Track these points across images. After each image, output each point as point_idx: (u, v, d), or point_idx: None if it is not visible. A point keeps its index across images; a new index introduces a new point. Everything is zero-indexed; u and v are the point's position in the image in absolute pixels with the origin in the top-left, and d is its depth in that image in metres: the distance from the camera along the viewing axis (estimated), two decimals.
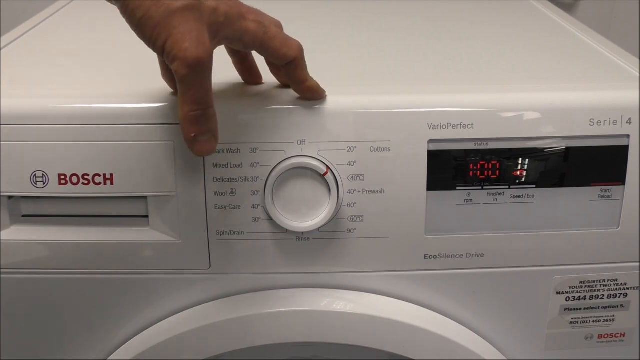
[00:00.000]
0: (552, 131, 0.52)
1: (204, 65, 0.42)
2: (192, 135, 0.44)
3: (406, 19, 0.78)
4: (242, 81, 0.54)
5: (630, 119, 0.52)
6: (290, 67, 0.48)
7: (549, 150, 0.52)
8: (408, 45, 0.67)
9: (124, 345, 0.56)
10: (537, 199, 0.53)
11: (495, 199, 0.53)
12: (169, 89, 0.53)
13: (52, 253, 0.53)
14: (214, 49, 0.44)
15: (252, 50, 0.48)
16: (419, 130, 0.51)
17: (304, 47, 0.48)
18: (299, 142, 0.51)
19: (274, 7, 0.54)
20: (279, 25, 0.49)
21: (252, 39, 0.45)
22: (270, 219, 0.52)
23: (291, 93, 0.51)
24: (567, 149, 0.52)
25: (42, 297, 0.55)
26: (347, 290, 0.55)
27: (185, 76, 0.42)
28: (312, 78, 0.49)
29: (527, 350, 0.58)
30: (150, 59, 0.62)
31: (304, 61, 0.48)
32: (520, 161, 0.52)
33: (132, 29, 0.42)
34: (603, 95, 0.53)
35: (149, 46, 0.43)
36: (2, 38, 0.66)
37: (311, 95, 0.50)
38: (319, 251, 0.53)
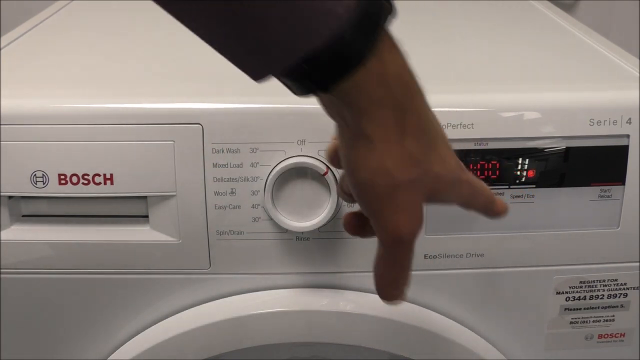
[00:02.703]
0: (552, 131, 0.52)
1: (412, 240, 0.39)
2: (387, 293, 0.41)
3: (406, 18, 0.78)
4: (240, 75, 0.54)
5: (630, 119, 0.52)
6: (483, 212, 0.44)
7: (549, 150, 0.52)
8: (408, 45, 0.67)
9: (124, 345, 0.56)
10: (537, 199, 0.53)
11: None
12: (169, 90, 0.53)
13: (52, 253, 0.53)
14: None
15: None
16: None
17: None
18: (299, 142, 0.51)
19: None
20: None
21: (461, 203, 0.42)
22: (270, 219, 0.52)
23: (291, 93, 0.51)
24: (567, 149, 0.52)
25: (42, 297, 0.55)
26: (347, 290, 0.55)
27: (390, 245, 0.39)
28: (500, 202, 0.44)
29: (527, 350, 0.58)
30: (150, 59, 0.62)
31: (496, 199, 0.44)
32: (520, 161, 0.52)
33: (349, 179, 0.38)
34: (603, 95, 0.53)
35: (359, 202, 0.39)
36: (2, 38, 0.66)
37: (499, 218, 0.45)
38: (319, 251, 0.53)
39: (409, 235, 0.38)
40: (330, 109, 0.37)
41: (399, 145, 0.36)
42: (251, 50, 0.33)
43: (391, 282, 0.41)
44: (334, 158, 0.44)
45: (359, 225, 0.44)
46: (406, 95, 0.36)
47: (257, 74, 0.35)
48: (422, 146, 0.37)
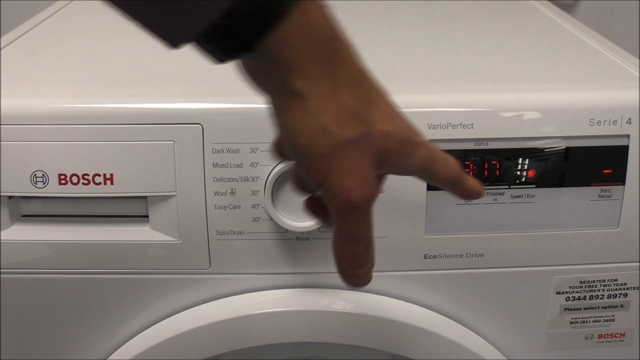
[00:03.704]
0: (552, 131, 0.52)
1: (368, 205, 0.36)
2: (349, 271, 0.38)
3: (406, 18, 0.78)
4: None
5: (630, 119, 0.52)
6: (449, 186, 0.41)
7: (549, 150, 0.52)
8: (408, 45, 0.67)
9: (124, 345, 0.56)
10: (537, 199, 0.53)
11: (495, 199, 0.53)
12: (169, 90, 0.53)
13: (52, 253, 0.53)
14: (380, 184, 0.39)
15: (409, 175, 0.40)
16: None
17: None
18: None
19: None
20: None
21: (418, 168, 0.39)
22: (270, 219, 0.52)
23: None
24: (567, 148, 0.52)
25: (42, 297, 0.55)
26: (347, 290, 0.55)
27: (344, 215, 0.36)
28: (472, 180, 0.41)
29: (527, 350, 0.58)
30: (150, 59, 0.62)
31: (463, 173, 0.41)
32: (520, 161, 0.52)
33: (289, 149, 0.36)
34: (603, 95, 0.53)
35: (302, 172, 0.36)
36: (2, 38, 0.66)
37: (473, 198, 0.42)
38: (319, 251, 0.53)
39: (361, 202, 0.35)
40: (257, 77, 0.35)
41: (335, 100, 0.34)
42: (168, 12, 0.31)
43: (351, 260, 0.38)
44: (279, 150, 0.42)
45: (319, 207, 0.40)
46: (334, 47, 0.34)
47: (177, 38, 0.32)
48: (361, 101, 0.35)
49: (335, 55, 0.34)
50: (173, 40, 0.32)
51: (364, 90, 0.35)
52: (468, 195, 0.41)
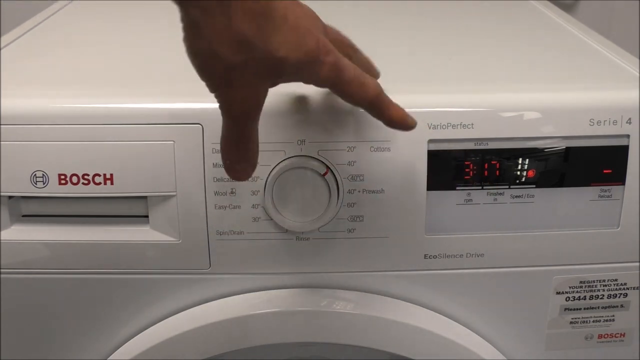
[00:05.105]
0: (552, 131, 0.52)
1: (250, 117, 0.42)
2: (228, 162, 0.44)
3: (405, 18, 0.78)
4: None
5: (630, 119, 0.52)
6: (368, 110, 0.46)
7: (549, 150, 0.52)
8: (408, 45, 0.67)
9: (124, 345, 0.56)
10: (537, 199, 0.53)
11: (495, 199, 0.53)
12: (169, 90, 0.53)
13: (52, 253, 0.53)
14: (274, 86, 0.43)
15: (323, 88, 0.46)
16: (419, 130, 0.51)
17: None
18: (299, 142, 0.51)
19: None
20: (355, 50, 0.48)
21: (322, 84, 0.44)
22: (270, 219, 0.52)
23: (291, 92, 0.51)
24: (567, 149, 0.52)
25: (42, 297, 0.55)
26: (347, 290, 0.55)
27: (229, 119, 0.42)
28: (396, 109, 0.46)
29: (527, 350, 0.58)
30: (150, 59, 0.62)
31: (384, 99, 0.46)
32: (520, 161, 0.52)
33: (191, 62, 0.41)
34: (603, 95, 0.53)
35: (201, 80, 0.41)
36: (2, 38, 0.66)
37: (398, 128, 0.47)
38: (319, 251, 0.53)
39: (240, 116, 0.42)
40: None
41: (227, 30, 0.38)
42: None
43: (233, 157, 0.44)
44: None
45: None
46: None
47: None
48: (256, 29, 0.38)
49: None
50: None
51: (264, 20, 0.39)
52: (391, 123, 0.46)
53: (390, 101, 0.46)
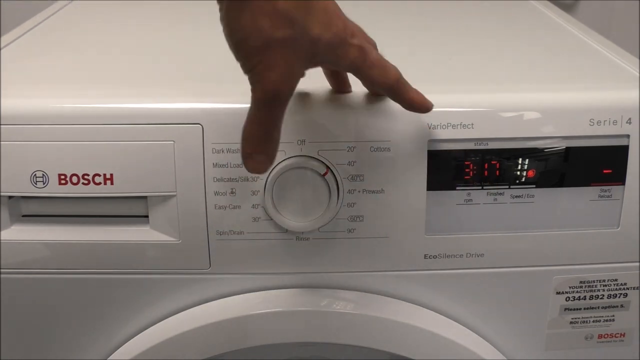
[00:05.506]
0: (552, 131, 0.52)
1: (282, 99, 0.42)
2: (248, 151, 0.44)
3: (406, 18, 0.78)
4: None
5: (630, 119, 0.52)
6: (389, 93, 0.48)
7: (549, 150, 0.52)
8: (408, 45, 0.67)
9: (124, 345, 0.56)
10: (537, 199, 0.53)
11: (495, 199, 0.53)
12: (169, 90, 0.53)
13: (52, 253, 0.53)
14: (305, 70, 0.44)
15: (347, 72, 0.48)
16: (419, 130, 0.51)
17: None
18: (299, 142, 0.51)
19: None
20: (374, 46, 0.48)
21: (350, 66, 0.45)
22: (270, 219, 0.52)
23: None
24: (567, 149, 0.52)
25: (42, 297, 0.55)
26: (347, 290, 0.55)
27: (261, 100, 0.42)
28: (416, 92, 0.48)
29: (527, 350, 0.58)
30: (150, 59, 0.62)
31: (405, 83, 0.47)
32: (520, 161, 0.52)
33: (227, 42, 0.42)
34: (603, 95, 0.53)
35: (237, 60, 0.42)
36: (2, 38, 0.66)
37: (417, 111, 0.49)
38: (319, 251, 0.53)
39: (274, 91, 0.41)
40: None
41: (271, 5, 0.39)
42: None
43: (255, 145, 0.44)
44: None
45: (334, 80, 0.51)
46: None
47: None
48: (297, 8, 0.40)
49: None
50: None
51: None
52: (411, 106, 0.48)
53: (410, 85, 0.47)
